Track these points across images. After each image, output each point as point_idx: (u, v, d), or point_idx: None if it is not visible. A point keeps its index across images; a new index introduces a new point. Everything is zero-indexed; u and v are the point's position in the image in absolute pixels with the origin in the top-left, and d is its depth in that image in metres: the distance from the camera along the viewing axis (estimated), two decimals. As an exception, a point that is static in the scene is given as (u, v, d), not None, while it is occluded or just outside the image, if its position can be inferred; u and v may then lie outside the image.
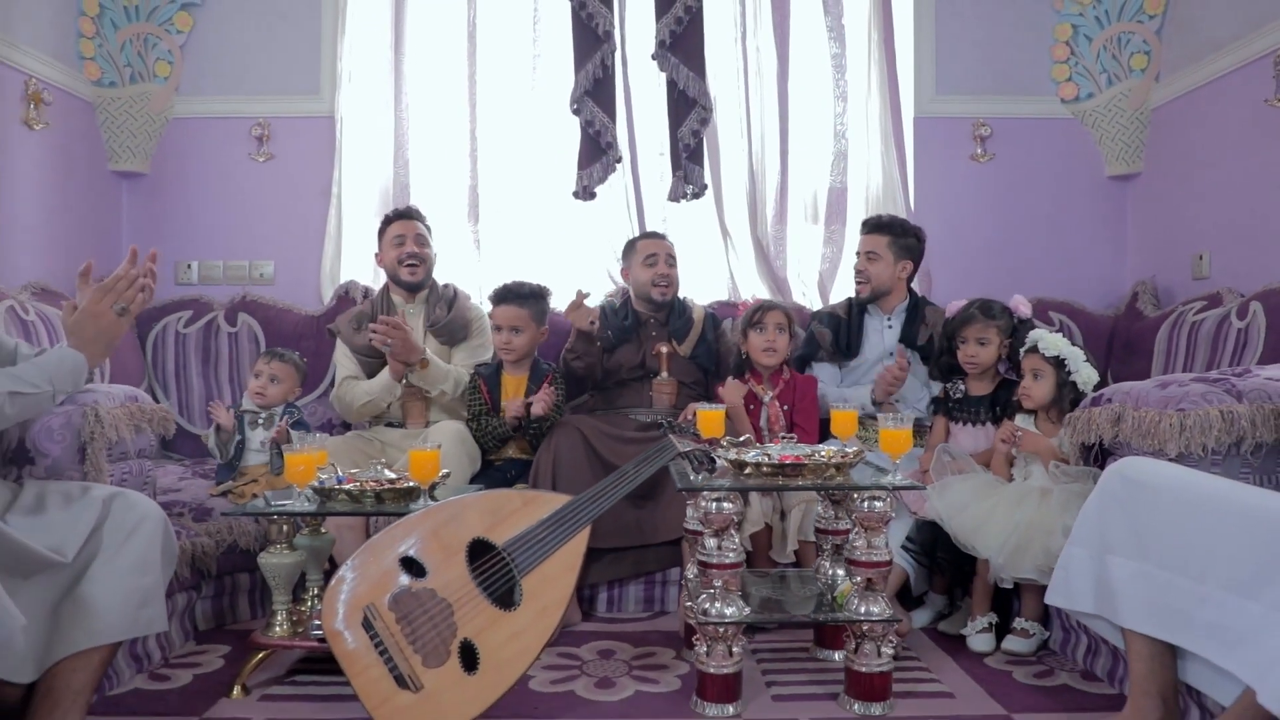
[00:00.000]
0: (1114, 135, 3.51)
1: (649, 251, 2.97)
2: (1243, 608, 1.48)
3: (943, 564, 2.37)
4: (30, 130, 2.98)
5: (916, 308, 2.94)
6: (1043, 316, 3.38)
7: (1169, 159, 3.36)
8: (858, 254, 2.92)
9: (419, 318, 2.90)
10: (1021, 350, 2.40)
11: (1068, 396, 2.27)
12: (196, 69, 3.49)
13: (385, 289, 2.95)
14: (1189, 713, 1.73)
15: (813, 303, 3.49)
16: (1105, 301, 3.51)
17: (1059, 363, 2.32)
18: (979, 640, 2.28)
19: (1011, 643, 2.26)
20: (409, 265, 2.84)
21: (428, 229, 2.96)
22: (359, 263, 3.50)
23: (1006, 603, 2.38)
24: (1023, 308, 2.60)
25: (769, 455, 1.94)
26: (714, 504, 1.85)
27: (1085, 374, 2.28)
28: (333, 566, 2.33)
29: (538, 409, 2.58)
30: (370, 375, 2.82)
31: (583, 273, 3.49)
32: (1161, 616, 1.64)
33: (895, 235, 2.89)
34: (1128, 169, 3.51)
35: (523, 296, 2.72)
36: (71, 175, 3.21)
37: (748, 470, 1.91)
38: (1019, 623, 2.29)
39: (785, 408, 2.72)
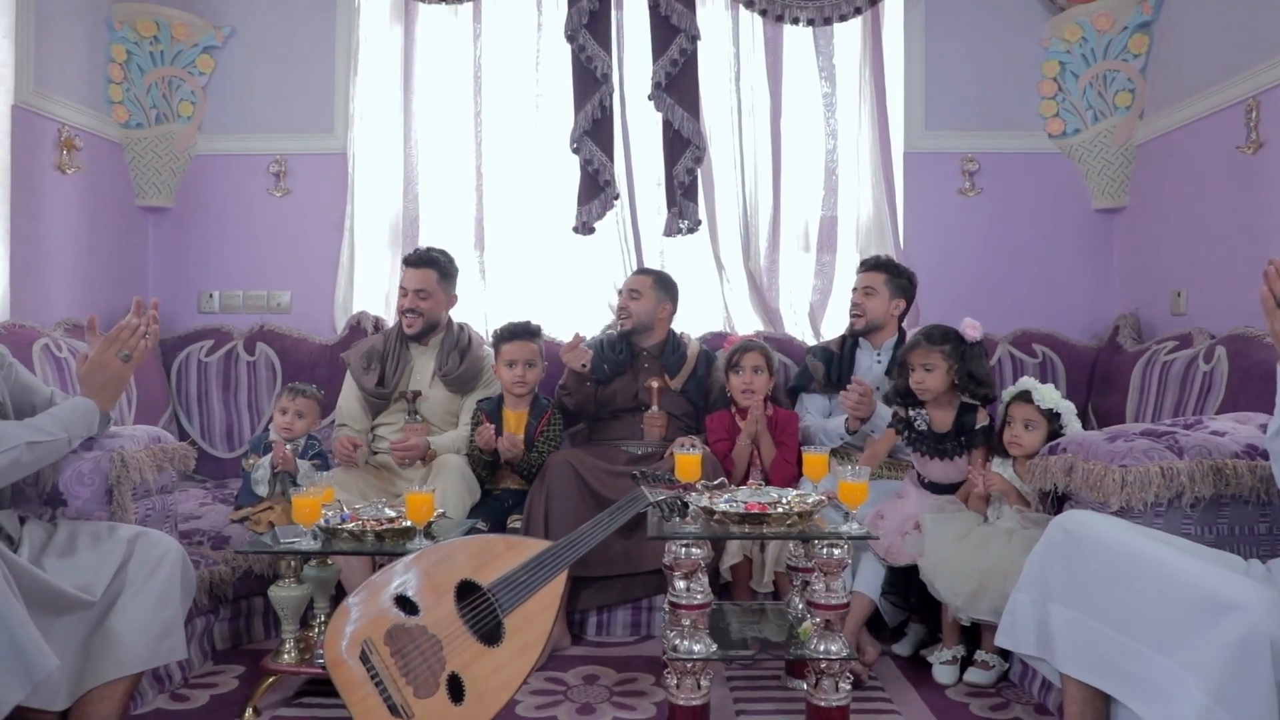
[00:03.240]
0: (1100, 170, 3.60)
1: (619, 289, 3.17)
2: (1158, 662, 1.61)
3: (914, 604, 2.50)
4: (63, 175, 3.18)
5: (903, 343, 3.07)
6: (1026, 348, 3.49)
7: (1152, 195, 3.45)
8: (855, 289, 3.05)
9: (429, 361, 3.02)
10: (1010, 395, 2.51)
11: None
12: (218, 109, 3.68)
13: (400, 327, 3.04)
14: (1119, 752, 1.86)
15: (804, 333, 3.62)
16: (1089, 333, 3.61)
17: (1053, 415, 2.41)
18: (942, 672, 2.41)
19: (973, 674, 2.39)
20: (408, 318, 2.95)
21: (443, 273, 3.00)
22: (370, 293, 3.69)
23: (978, 633, 2.51)
24: (971, 330, 2.56)
25: (737, 502, 2.09)
26: (683, 549, 2.00)
27: (1075, 427, 2.39)
28: (339, 592, 2.52)
29: (505, 451, 2.76)
30: (374, 413, 2.99)
31: (582, 304, 3.65)
32: (1092, 663, 1.78)
33: (891, 274, 3.04)
34: (1114, 203, 3.60)
35: (532, 333, 2.91)
36: (101, 213, 3.42)
37: (716, 517, 2.06)
38: (980, 655, 2.42)
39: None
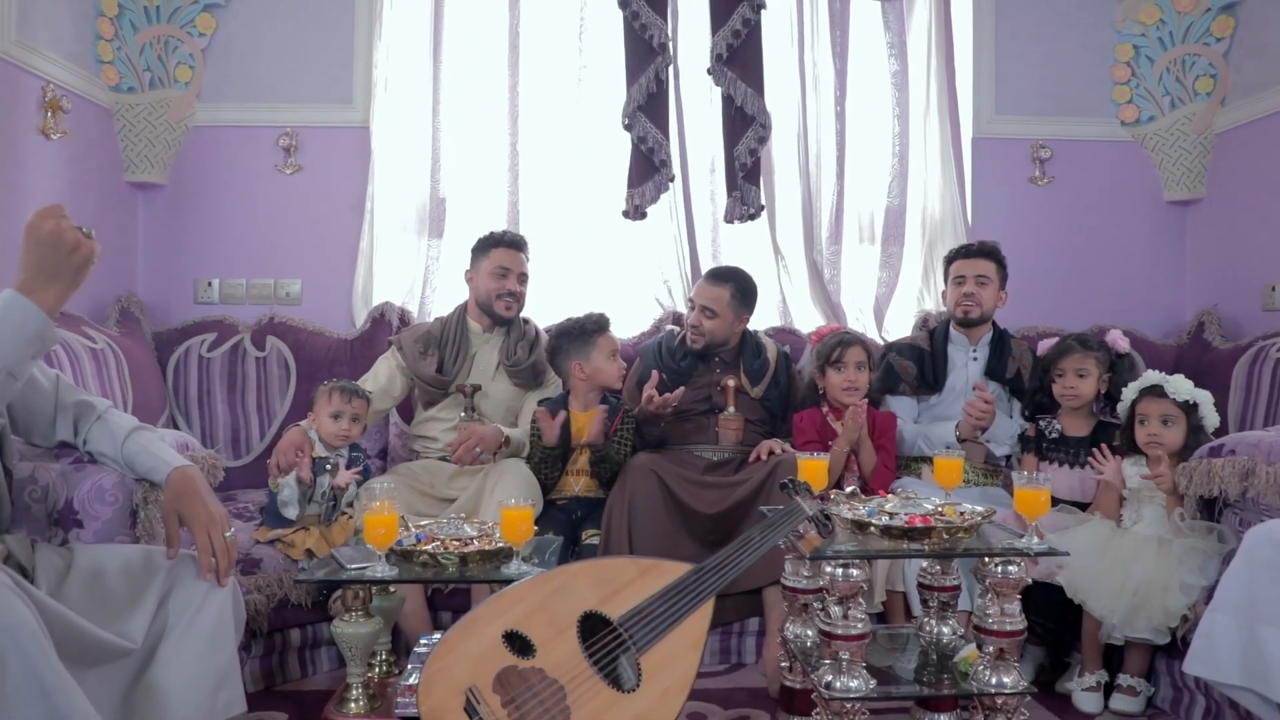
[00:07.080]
0: (1175, 159, 3.41)
1: (690, 296, 2.88)
2: None
3: (1039, 629, 2.25)
4: (48, 140, 2.75)
5: (1002, 339, 2.84)
6: (1104, 345, 3.28)
7: (1234, 185, 3.27)
8: (963, 277, 2.79)
9: (493, 352, 2.74)
10: (1134, 393, 2.28)
11: (1201, 442, 2.17)
12: (220, 74, 3.27)
13: (462, 312, 2.78)
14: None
15: (868, 328, 3.36)
16: (1163, 330, 3.41)
17: (1189, 407, 2.22)
18: (1086, 699, 2.17)
19: (1119, 702, 2.15)
20: (506, 300, 2.71)
21: (528, 260, 2.81)
22: (393, 283, 3.31)
23: (1109, 655, 2.26)
24: (1120, 342, 2.53)
25: (889, 514, 1.80)
26: (839, 570, 1.71)
27: (1213, 419, 2.22)
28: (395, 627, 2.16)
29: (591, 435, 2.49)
30: (429, 403, 2.69)
31: (628, 297, 3.33)
32: (1337, 699, 1.54)
33: (1000, 264, 2.84)
34: (1189, 194, 3.41)
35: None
36: (87, 187, 2.98)
37: (870, 530, 1.77)
38: (1124, 679, 2.18)
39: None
